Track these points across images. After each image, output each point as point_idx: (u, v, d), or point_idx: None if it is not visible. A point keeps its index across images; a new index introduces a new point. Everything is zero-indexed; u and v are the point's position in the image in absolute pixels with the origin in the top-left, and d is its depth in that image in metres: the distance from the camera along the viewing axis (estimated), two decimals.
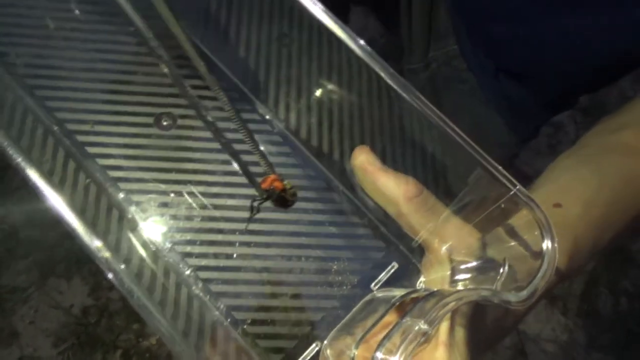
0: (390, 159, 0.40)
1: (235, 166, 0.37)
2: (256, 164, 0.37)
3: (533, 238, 0.28)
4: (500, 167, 0.30)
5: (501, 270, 0.27)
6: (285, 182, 0.35)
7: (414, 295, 0.30)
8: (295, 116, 0.40)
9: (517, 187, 0.28)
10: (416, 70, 0.66)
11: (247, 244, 0.36)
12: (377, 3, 0.69)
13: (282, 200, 0.35)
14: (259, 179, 0.35)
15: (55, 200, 0.33)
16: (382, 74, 0.33)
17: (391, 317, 0.30)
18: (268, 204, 0.36)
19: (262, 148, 0.37)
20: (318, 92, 0.41)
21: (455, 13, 0.62)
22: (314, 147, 0.39)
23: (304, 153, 0.39)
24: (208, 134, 0.38)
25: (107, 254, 0.30)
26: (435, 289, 0.30)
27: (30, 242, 1.05)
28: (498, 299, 0.25)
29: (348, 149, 0.39)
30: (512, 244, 0.29)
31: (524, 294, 0.25)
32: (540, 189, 0.41)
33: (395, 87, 0.33)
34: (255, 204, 0.34)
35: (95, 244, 0.31)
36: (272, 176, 0.35)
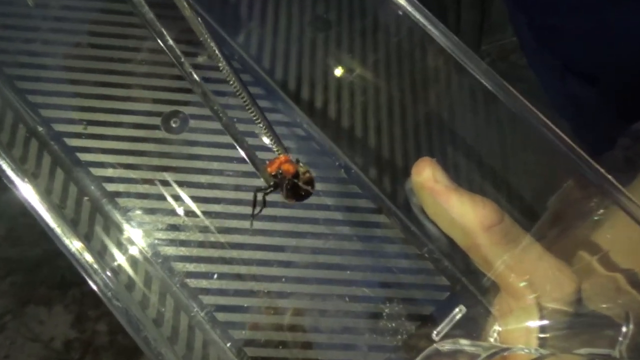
0: (452, 171, 0.36)
1: (262, 181, 0.34)
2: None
3: None
4: (628, 193, 0.26)
5: (624, 329, 0.23)
6: (300, 164, 0.29)
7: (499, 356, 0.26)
8: (335, 120, 0.37)
9: None
10: None
11: (277, 279, 0.33)
12: None
13: (294, 189, 0.30)
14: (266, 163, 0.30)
15: (41, 218, 0.30)
16: (459, 58, 0.30)
17: None
18: (296, 225, 0.33)
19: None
20: (364, 89, 0.38)
21: (512, 3, 0.60)
22: (359, 158, 0.36)
23: (347, 166, 0.36)
24: (227, 139, 0.35)
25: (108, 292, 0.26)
26: (531, 350, 0.26)
27: (9, 261, 1.02)
28: None
29: (401, 161, 0.36)
30: (629, 295, 0.25)
31: None
32: None
33: (476, 74, 0.29)
34: (260, 195, 0.29)
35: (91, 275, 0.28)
36: (282, 157, 0.29)
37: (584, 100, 0.58)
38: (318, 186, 0.35)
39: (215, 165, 0.35)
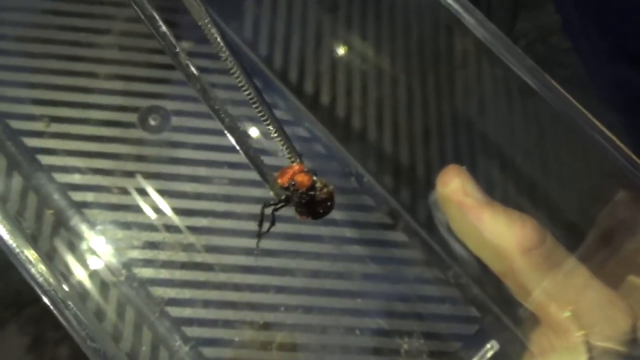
0: (483, 180, 0.36)
1: (260, 191, 0.34)
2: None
3: None
4: None
5: None
6: (315, 177, 0.30)
7: None
8: (344, 118, 0.37)
9: None
10: None
11: (275, 307, 0.33)
12: None
13: (310, 204, 0.30)
14: (276, 174, 0.30)
15: None
16: (491, 44, 0.30)
17: None
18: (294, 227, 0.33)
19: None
20: (378, 82, 0.38)
21: None
22: (373, 164, 0.36)
23: (358, 173, 0.36)
24: (217, 140, 0.35)
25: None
26: None
27: None
28: None
29: (423, 168, 0.36)
30: None
31: None
32: None
33: (510, 64, 0.30)
34: (269, 210, 0.30)
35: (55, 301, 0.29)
36: (295, 166, 0.29)
37: (638, 88, 0.58)
38: None
39: (202, 171, 0.35)
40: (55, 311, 0.30)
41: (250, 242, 0.34)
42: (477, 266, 0.32)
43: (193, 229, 0.34)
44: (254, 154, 0.29)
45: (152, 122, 0.36)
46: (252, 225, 0.34)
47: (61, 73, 0.36)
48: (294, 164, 0.29)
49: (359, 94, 0.37)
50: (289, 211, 0.34)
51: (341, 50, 0.38)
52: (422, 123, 0.37)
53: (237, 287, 0.33)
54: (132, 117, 0.35)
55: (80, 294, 0.32)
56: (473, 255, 0.31)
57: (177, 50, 0.28)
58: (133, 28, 0.37)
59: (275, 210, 0.29)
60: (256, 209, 0.34)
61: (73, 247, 0.33)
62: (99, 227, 0.33)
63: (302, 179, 0.28)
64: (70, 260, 0.33)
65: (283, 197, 0.28)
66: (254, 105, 0.28)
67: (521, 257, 0.29)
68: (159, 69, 0.36)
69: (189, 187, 0.35)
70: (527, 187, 0.37)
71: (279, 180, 0.28)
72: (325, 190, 0.28)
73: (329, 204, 0.28)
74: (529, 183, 0.37)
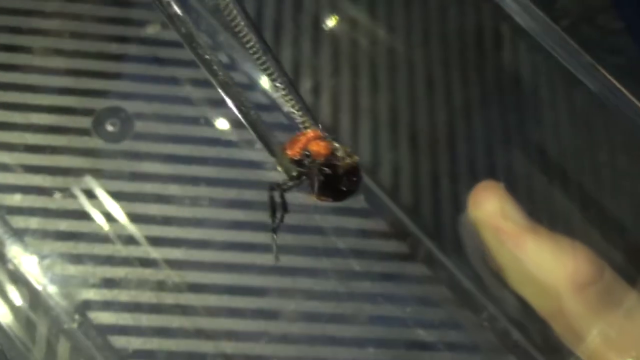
0: (523, 196, 0.36)
1: (246, 214, 0.33)
2: None
3: None
4: None
5: None
6: (336, 144, 0.29)
7: None
8: (347, 116, 0.37)
9: None
10: None
11: (256, 337, 0.33)
12: None
13: (331, 180, 0.28)
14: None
15: None
16: (526, 24, 0.30)
17: None
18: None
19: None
20: (391, 67, 0.38)
21: None
22: (385, 176, 0.36)
23: (366, 188, 0.36)
24: (190, 150, 0.35)
25: None
26: None
27: None
28: None
29: (448, 182, 0.36)
30: None
31: None
32: None
33: (550, 49, 0.30)
34: (277, 194, 0.29)
35: None
36: (309, 133, 0.28)
37: None
38: (320, 220, 0.35)
39: (172, 189, 0.35)
40: None
41: (235, 278, 0.34)
42: (518, 306, 0.32)
43: (163, 263, 0.34)
44: (255, 116, 0.28)
45: (110, 128, 0.36)
46: (237, 257, 0.34)
47: None
48: (308, 130, 0.28)
49: (367, 86, 0.37)
50: (283, 239, 0.34)
51: (342, 28, 0.38)
52: (446, 122, 0.37)
53: (218, 336, 0.33)
54: (85, 122, 0.35)
55: (21, 344, 0.32)
56: (513, 293, 0.31)
57: None
58: (87, 10, 0.37)
59: (285, 191, 0.28)
60: (242, 236, 0.35)
61: (11, 285, 0.33)
62: (45, 261, 0.33)
63: (318, 147, 0.27)
64: (7, 301, 0.32)
65: (294, 174, 0.28)
66: (255, 56, 0.27)
67: (573, 296, 0.29)
68: (119, 61, 0.36)
69: (156, 209, 0.34)
70: (578, 204, 0.37)
71: (289, 152, 0.27)
72: (348, 160, 0.27)
73: (354, 178, 0.27)
74: (582, 199, 0.37)
